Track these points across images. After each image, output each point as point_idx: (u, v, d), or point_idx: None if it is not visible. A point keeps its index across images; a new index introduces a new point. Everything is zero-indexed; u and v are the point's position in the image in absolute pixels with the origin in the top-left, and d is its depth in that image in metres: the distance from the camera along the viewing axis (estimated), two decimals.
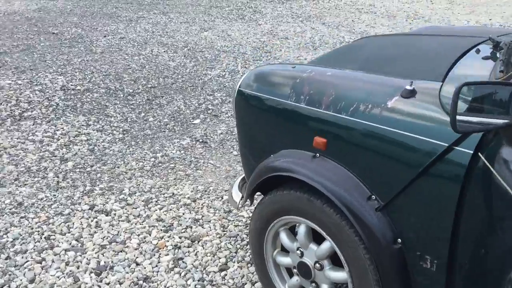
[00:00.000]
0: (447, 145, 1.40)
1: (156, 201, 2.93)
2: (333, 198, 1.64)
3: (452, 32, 2.45)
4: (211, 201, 2.94)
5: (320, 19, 8.39)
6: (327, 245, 1.78)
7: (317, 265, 1.82)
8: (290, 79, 1.89)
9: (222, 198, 2.99)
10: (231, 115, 4.26)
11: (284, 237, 1.94)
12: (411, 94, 1.55)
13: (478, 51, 1.82)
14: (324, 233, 1.76)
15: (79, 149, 3.56)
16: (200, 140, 3.76)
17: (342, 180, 1.66)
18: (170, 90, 4.83)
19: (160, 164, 3.38)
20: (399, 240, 1.57)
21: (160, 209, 2.85)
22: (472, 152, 1.36)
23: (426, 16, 8.69)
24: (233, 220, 2.75)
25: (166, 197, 2.98)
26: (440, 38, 2.19)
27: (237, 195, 2.20)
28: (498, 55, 1.72)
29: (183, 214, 2.81)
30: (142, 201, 2.93)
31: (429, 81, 1.64)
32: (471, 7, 9.59)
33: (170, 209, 2.85)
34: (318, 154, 1.74)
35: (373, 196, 1.60)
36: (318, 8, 9.29)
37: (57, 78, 4.93)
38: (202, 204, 2.91)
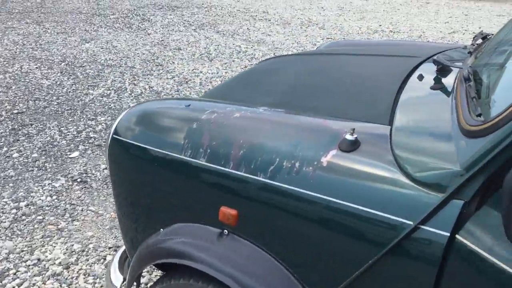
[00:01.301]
0: (412, 223, 0.98)
1: (15, 274, 2.23)
2: None
3: (371, 49, 2.06)
4: (90, 266, 2.31)
5: (214, 27, 7.93)
6: None
7: None
8: (184, 124, 1.37)
9: (105, 259, 2.37)
10: None
11: None
12: (353, 146, 1.11)
13: (421, 77, 1.43)
14: None
15: None
16: (79, 180, 3.08)
17: (262, 270, 1.18)
18: (42, 116, 4.05)
19: (23, 217, 2.66)
20: None
21: (19, 285, 2.16)
22: (448, 234, 0.94)
23: (320, 23, 8.61)
24: None
25: (29, 265, 2.29)
26: (363, 58, 1.78)
27: (116, 278, 1.62)
28: (449, 82, 1.34)
29: None
30: None
31: (371, 123, 1.22)
32: (360, 14, 9.74)
33: (33, 285, 2.17)
34: (226, 231, 1.24)
35: None
36: (211, 16, 8.83)
37: None
38: (77, 272, 2.26)
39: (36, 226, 2.60)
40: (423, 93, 1.33)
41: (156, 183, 1.39)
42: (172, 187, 1.35)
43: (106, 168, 3.24)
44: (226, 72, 5.57)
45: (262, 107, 1.36)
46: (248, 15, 9.11)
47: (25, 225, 2.60)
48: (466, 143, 0.99)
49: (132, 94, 4.67)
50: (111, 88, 4.79)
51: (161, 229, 1.38)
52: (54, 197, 2.88)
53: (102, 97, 4.56)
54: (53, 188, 2.97)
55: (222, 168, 1.22)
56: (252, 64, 5.91)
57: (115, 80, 5.04)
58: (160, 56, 6.09)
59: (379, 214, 1.01)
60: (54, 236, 2.52)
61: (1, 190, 2.92)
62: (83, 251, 2.41)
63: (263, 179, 1.16)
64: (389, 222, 1.00)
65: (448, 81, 1.35)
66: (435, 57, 1.40)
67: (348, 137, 1.11)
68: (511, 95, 0.97)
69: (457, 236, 0.93)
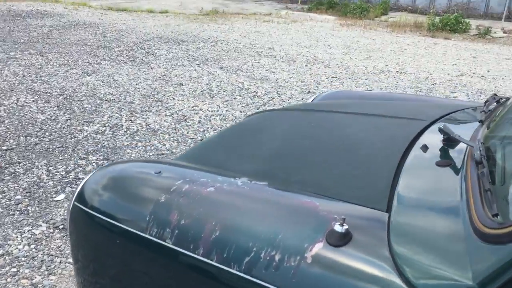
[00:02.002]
0: None
1: None
2: None
3: (371, 106, 1.89)
4: None
5: (218, 62, 7.86)
6: None
7: None
8: (151, 196, 1.20)
9: None
10: None
11: None
12: (342, 239, 0.93)
13: (425, 149, 1.26)
14: None
15: None
16: (61, 227, 2.90)
17: None
18: (32, 153, 3.90)
19: None
20: None
21: None
22: None
23: (325, 61, 8.52)
24: None
25: None
26: (361, 119, 1.61)
27: None
28: (458, 156, 1.16)
29: None
30: None
31: (365, 208, 1.04)
32: (367, 53, 9.66)
33: None
34: None
35: None
36: (216, 51, 8.78)
37: None
38: None
39: (9, 280, 2.41)
40: (428, 170, 1.16)
41: (117, 263, 1.21)
42: (134, 270, 1.17)
43: None
44: (226, 110, 5.44)
45: (241, 179, 1.19)
46: (253, 51, 9.06)
47: None
48: (481, 249, 0.81)
49: (128, 132, 4.53)
50: (106, 125, 4.66)
51: None
52: (33, 246, 2.70)
53: (96, 134, 4.42)
54: (32, 236, 2.78)
55: (191, 254, 1.05)
56: (253, 103, 5.78)
57: (112, 116, 4.92)
58: (161, 91, 5.99)
59: None
60: None
61: None
62: None
63: (237, 272, 0.98)
64: None
65: (457, 155, 1.18)
66: (440, 126, 1.23)
67: (337, 228, 0.93)
68: None
69: None
